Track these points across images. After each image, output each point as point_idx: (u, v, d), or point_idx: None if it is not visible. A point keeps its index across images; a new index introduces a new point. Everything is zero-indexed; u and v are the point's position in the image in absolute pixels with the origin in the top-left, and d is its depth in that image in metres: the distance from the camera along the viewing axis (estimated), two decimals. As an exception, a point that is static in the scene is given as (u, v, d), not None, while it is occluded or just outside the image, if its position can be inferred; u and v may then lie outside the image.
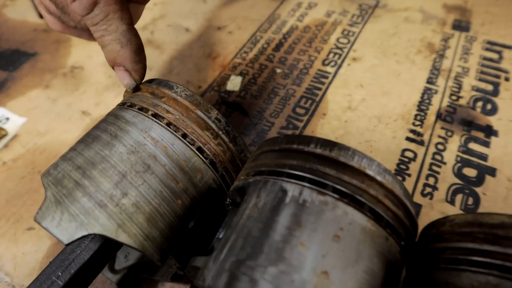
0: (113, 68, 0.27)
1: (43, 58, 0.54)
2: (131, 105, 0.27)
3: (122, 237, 0.22)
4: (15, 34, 0.58)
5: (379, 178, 0.21)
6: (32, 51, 0.55)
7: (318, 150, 0.22)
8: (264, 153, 0.24)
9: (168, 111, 0.26)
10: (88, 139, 0.25)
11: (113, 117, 0.26)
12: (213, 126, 0.26)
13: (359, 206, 0.20)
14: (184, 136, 0.25)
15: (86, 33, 0.30)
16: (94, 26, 0.25)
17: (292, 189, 0.21)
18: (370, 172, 0.21)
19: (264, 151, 0.24)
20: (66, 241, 0.21)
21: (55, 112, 0.46)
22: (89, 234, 0.22)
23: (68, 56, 0.54)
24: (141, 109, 0.26)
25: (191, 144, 0.25)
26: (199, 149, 0.25)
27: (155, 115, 0.26)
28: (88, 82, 0.50)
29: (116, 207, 0.22)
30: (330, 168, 0.21)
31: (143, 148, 0.24)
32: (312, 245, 0.19)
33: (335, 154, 0.22)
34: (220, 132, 0.27)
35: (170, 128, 0.25)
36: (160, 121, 0.25)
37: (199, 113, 0.26)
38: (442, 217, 0.24)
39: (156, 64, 0.51)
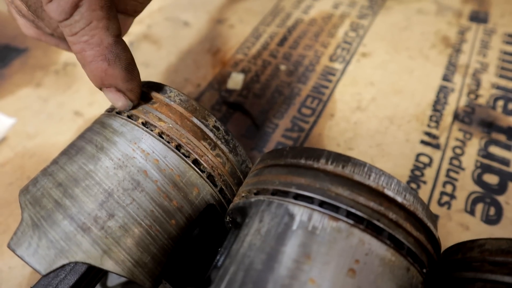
0: (100, 89, 0.22)
1: (34, 54, 0.51)
2: (120, 112, 0.24)
3: (108, 265, 0.20)
4: (5, 28, 0.55)
5: (399, 199, 0.19)
6: (22, 46, 0.52)
7: (330, 167, 0.19)
8: (267, 168, 0.22)
9: (160, 119, 0.23)
10: (72, 150, 0.23)
11: (99, 125, 0.24)
12: (211, 135, 0.24)
13: (376, 233, 0.18)
14: (178, 147, 0.23)
15: (65, 43, 0.26)
16: (72, 37, 0.20)
17: (300, 213, 0.18)
18: (389, 193, 0.19)
19: (268, 165, 0.22)
20: (43, 272, 0.19)
21: (46, 112, 0.43)
22: (71, 263, 0.19)
23: (61, 52, 0.51)
24: (130, 116, 0.23)
25: (186, 156, 0.22)
26: (195, 161, 0.23)
27: (145, 124, 0.23)
28: (81, 80, 0.47)
29: (101, 230, 0.20)
30: (343, 188, 0.19)
31: (132, 162, 0.21)
32: (323, 282, 0.16)
33: (349, 171, 0.19)
34: (219, 142, 0.24)
35: (163, 138, 0.22)
36: (151, 131, 0.23)
37: (195, 120, 0.24)
38: (469, 240, 0.21)
39: (153, 60, 0.48)
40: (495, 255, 0.19)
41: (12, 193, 0.36)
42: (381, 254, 0.17)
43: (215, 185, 0.23)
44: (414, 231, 0.19)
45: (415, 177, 0.34)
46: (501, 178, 0.34)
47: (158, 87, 0.25)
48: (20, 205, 0.21)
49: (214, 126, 0.24)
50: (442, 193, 0.33)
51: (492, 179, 0.34)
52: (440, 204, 0.32)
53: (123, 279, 0.30)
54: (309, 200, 0.18)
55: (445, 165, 0.35)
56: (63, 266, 0.19)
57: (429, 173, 0.34)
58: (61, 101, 0.45)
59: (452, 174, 0.34)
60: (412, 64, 0.44)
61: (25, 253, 0.19)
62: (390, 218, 0.18)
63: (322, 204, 0.18)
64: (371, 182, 0.19)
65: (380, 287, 0.17)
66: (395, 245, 0.18)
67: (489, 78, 0.42)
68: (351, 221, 0.18)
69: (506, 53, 0.44)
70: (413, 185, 0.34)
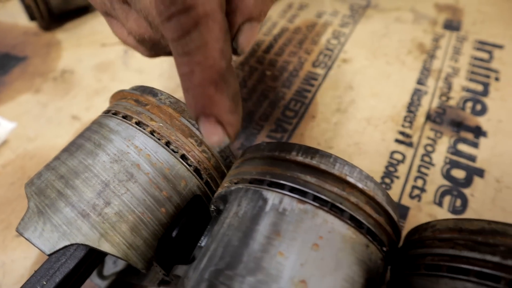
0: (196, 119, 0.18)
1: (33, 62, 0.53)
2: (115, 113, 0.27)
3: (105, 247, 0.22)
4: (5, 38, 0.58)
5: (360, 185, 0.21)
6: (22, 55, 0.55)
7: (300, 158, 0.22)
8: (247, 161, 0.24)
9: (152, 119, 0.26)
10: (72, 147, 0.25)
11: (97, 125, 0.26)
12: (197, 133, 0.26)
13: (339, 214, 0.20)
14: (168, 143, 0.25)
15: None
16: (184, 56, 0.18)
17: (272, 197, 0.21)
18: (351, 180, 0.21)
19: (248, 158, 0.24)
20: (48, 252, 0.21)
21: (45, 117, 0.46)
22: (72, 244, 0.22)
23: (59, 60, 0.54)
24: (125, 117, 0.26)
25: (174, 152, 0.25)
26: (183, 156, 0.25)
27: (138, 123, 0.26)
28: (78, 86, 0.50)
29: (99, 216, 0.22)
30: (311, 176, 0.21)
31: (126, 156, 0.24)
32: (290, 254, 0.19)
33: (316, 161, 0.22)
34: (205, 139, 0.26)
35: (154, 136, 0.25)
36: (144, 129, 0.25)
37: (183, 120, 0.26)
38: (425, 222, 0.24)
39: (146, 67, 0.51)
40: (443, 233, 0.21)
41: (14, 192, 0.39)
42: (342, 232, 0.20)
43: (201, 178, 0.26)
44: (373, 213, 0.21)
45: (389, 173, 0.37)
46: (467, 172, 0.36)
47: (150, 91, 0.28)
48: (26, 195, 0.23)
49: (200, 125, 0.27)
50: (414, 187, 0.36)
51: (459, 173, 0.37)
52: (412, 197, 0.35)
53: (118, 269, 0.32)
54: (281, 186, 0.21)
55: (417, 162, 0.38)
56: (64, 248, 0.22)
57: (402, 169, 0.37)
58: (60, 106, 0.47)
59: (423, 169, 0.37)
60: (389, 69, 0.47)
61: (31, 236, 0.21)
62: (351, 202, 0.21)
63: (292, 189, 0.21)
64: (335, 170, 0.21)
65: (341, 259, 0.19)
66: (356, 224, 0.21)
67: (459, 82, 0.45)
68: (316, 204, 0.20)
69: (476, 58, 0.47)
70: (387, 180, 0.36)
